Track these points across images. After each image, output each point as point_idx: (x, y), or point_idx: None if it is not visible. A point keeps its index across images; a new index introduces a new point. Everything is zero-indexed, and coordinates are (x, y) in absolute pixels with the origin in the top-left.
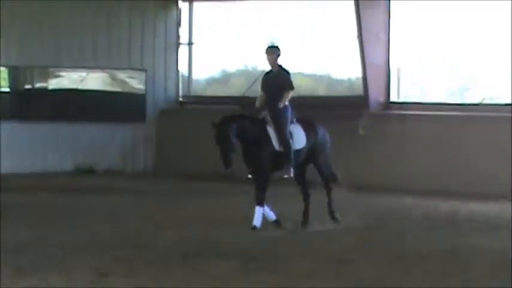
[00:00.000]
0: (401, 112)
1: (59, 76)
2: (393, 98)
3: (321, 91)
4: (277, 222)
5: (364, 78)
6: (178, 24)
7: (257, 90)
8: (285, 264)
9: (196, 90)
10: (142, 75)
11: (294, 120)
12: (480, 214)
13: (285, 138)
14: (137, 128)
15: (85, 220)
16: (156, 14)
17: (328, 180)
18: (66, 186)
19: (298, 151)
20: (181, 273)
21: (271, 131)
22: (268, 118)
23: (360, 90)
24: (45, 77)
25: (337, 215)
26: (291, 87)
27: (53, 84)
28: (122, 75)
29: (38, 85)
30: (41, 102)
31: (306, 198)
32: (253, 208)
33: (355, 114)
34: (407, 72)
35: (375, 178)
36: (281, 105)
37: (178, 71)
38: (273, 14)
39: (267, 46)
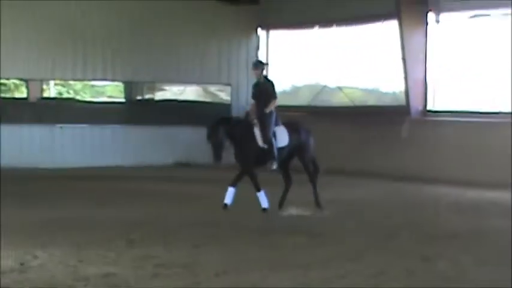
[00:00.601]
0: (437, 119)
1: (163, 89)
2: (430, 106)
3: (371, 101)
4: (264, 210)
5: (406, 90)
6: (257, 47)
7: (319, 100)
8: (345, 238)
9: None
10: (228, 88)
11: (279, 123)
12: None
13: (267, 137)
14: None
15: (182, 203)
16: (239, 39)
17: (311, 173)
18: (168, 177)
19: (281, 148)
20: (259, 245)
21: (257, 131)
22: (255, 121)
23: (402, 101)
24: (152, 90)
25: (320, 203)
26: (275, 97)
27: (158, 96)
28: (212, 88)
29: (146, 96)
30: (148, 110)
31: (287, 184)
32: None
33: (398, 121)
34: (442, 84)
35: (414, 171)
36: (267, 110)
37: None
38: (333, 39)
39: (253, 62)
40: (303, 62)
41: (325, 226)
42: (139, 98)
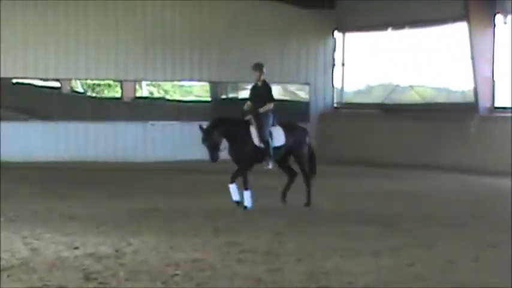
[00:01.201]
0: (504, 115)
1: (245, 89)
2: (498, 103)
3: (441, 99)
4: (238, 203)
5: (475, 88)
6: (334, 49)
7: (392, 98)
8: (413, 228)
9: (347, 98)
10: (307, 87)
11: (276, 124)
12: None
13: (264, 137)
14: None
15: (263, 194)
16: (317, 41)
17: (306, 174)
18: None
19: (277, 148)
20: (334, 234)
21: (253, 130)
22: (252, 120)
23: (471, 98)
24: (236, 89)
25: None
26: (272, 100)
27: (241, 94)
28: (291, 87)
29: (230, 95)
30: (232, 108)
31: (291, 177)
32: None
33: (467, 117)
34: (509, 82)
35: (481, 165)
36: (261, 110)
37: (333, 84)
38: (405, 40)
39: (253, 64)
40: (377, 62)
41: (395, 216)
42: (223, 96)
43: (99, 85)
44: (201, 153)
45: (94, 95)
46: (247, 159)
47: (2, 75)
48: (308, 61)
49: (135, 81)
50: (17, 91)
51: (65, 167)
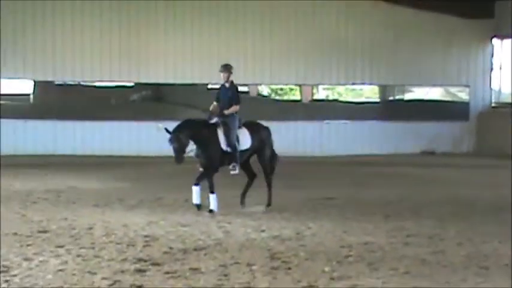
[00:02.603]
0: None
1: (411, 91)
2: None
3: None
4: (198, 207)
5: None
6: (492, 54)
7: None
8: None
9: (504, 99)
10: (467, 89)
11: (242, 126)
12: None
13: (231, 142)
14: (463, 124)
15: (428, 184)
16: (476, 47)
17: (267, 173)
18: (415, 163)
19: (243, 151)
20: (492, 221)
21: (220, 133)
22: (219, 122)
23: None
24: (402, 91)
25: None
26: (238, 102)
27: (407, 96)
28: (453, 89)
29: (397, 97)
30: (399, 108)
31: (251, 178)
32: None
33: None
34: None
35: None
36: (226, 112)
37: (491, 86)
38: None
39: (221, 65)
40: None
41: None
42: (391, 98)
43: (281, 89)
44: (371, 148)
45: (277, 97)
46: (215, 163)
47: (198, 82)
48: (468, 65)
49: (312, 85)
50: (210, 95)
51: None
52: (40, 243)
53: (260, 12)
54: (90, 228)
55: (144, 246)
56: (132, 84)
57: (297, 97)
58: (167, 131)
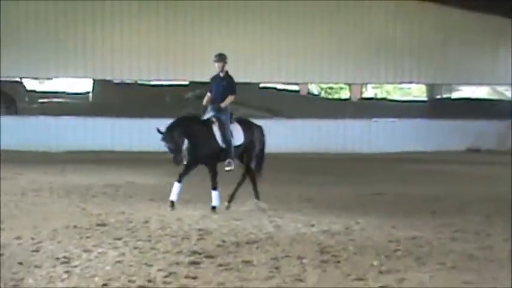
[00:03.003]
0: None
1: (458, 90)
2: None
3: None
4: (172, 203)
5: None
6: None
7: None
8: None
9: None
10: None
11: (233, 121)
12: None
13: (227, 138)
14: (508, 122)
15: (474, 181)
16: None
17: (250, 169)
18: (461, 160)
19: (236, 147)
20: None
21: (216, 129)
22: (213, 119)
23: None
24: (449, 90)
25: (261, 202)
26: (233, 92)
27: (454, 95)
28: (499, 88)
29: (444, 96)
30: (446, 106)
31: (244, 177)
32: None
33: None
34: None
35: None
36: (223, 105)
37: None
38: None
39: (215, 54)
40: None
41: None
42: (438, 96)
43: (331, 88)
44: (418, 145)
45: (327, 96)
46: (214, 159)
47: (250, 81)
48: None
49: (361, 84)
50: (262, 93)
51: (301, 158)
52: (99, 236)
53: (311, 13)
54: (147, 222)
55: (198, 239)
56: (186, 82)
57: (346, 95)
58: (159, 131)
